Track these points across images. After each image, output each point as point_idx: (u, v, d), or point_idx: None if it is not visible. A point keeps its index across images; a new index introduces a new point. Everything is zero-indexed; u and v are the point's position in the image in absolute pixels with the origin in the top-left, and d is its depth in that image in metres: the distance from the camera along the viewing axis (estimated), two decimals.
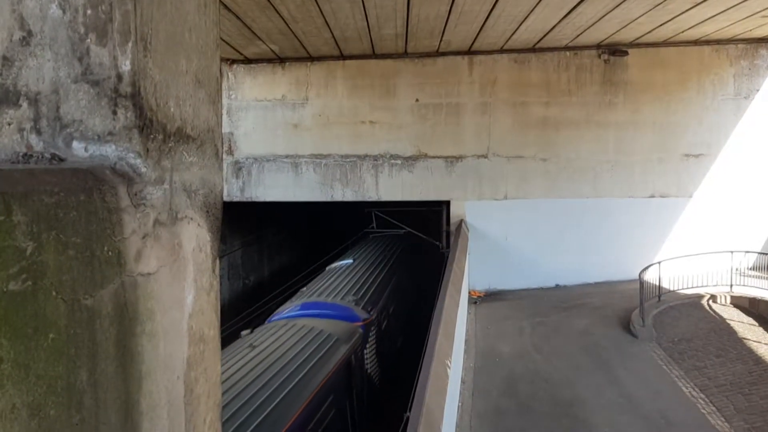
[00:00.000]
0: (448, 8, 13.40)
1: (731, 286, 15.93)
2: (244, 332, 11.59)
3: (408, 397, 6.58)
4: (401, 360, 14.40)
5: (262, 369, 9.02)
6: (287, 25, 14.47)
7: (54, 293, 1.48)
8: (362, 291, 13.87)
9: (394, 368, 13.77)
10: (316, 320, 11.65)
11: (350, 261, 17.01)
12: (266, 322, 12.47)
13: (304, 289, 14.65)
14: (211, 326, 2.24)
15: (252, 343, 10.23)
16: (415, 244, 21.25)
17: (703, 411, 10.81)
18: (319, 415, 9.10)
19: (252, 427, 7.35)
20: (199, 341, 2.14)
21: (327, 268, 16.84)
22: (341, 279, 14.88)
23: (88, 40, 1.75)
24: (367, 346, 12.31)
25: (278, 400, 8.28)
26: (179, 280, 2.01)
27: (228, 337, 12.62)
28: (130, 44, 1.75)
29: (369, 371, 12.34)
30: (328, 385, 9.64)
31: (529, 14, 14.10)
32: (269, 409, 7.96)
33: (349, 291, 13.69)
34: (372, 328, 12.76)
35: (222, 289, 18.66)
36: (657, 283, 15.55)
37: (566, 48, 18.01)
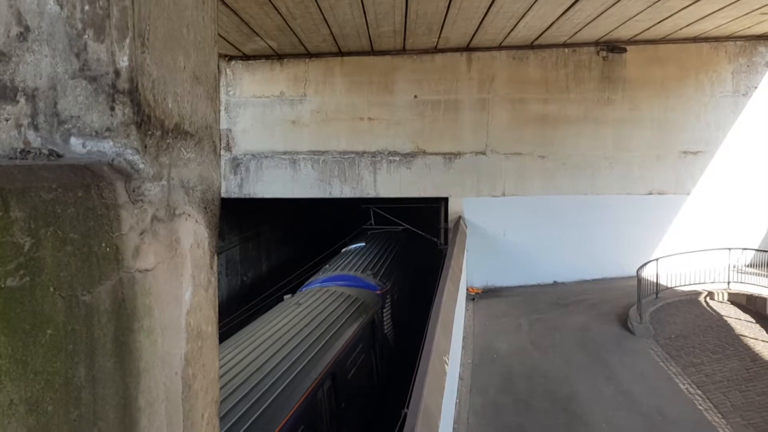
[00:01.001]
0: (447, 4, 13.39)
1: (728, 283, 15.96)
2: (286, 296, 14.19)
3: (406, 393, 6.59)
4: (406, 331, 16.34)
5: (309, 319, 11.52)
6: (285, 21, 14.45)
7: (52, 289, 1.48)
8: (376, 268, 16.10)
9: (401, 335, 16.01)
10: (344, 288, 13.98)
11: (363, 244, 18.90)
12: (300, 289, 14.74)
13: (327, 266, 16.89)
14: (209, 323, 2.24)
15: (298, 301, 12.81)
16: (413, 240, 21.36)
17: (699, 407, 10.84)
18: (353, 356, 11.68)
19: (311, 356, 9.89)
20: (197, 337, 2.14)
21: (343, 250, 19.02)
22: (358, 257, 17.10)
23: (86, 35, 1.75)
24: (384, 310, 14.67)
25: (325, 341, 10.69)
26: (177, 277, 2.01)
27: (227, 332, 12.63)
28: (127, 40, 1.75)
29: (386, 331, 14.68)
30: (358, 334, 12.12)
31: (527, 11, 14.09)
32: (320, 347, 10.40)
33: (366, 267, 15.99)
34: (387, 297, 15.04)
35: (220, 286, 18.67)
36: (654, 280, 15.57)
37: (564, 45, 18.00)
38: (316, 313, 11.94)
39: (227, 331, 13.44)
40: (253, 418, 7.65)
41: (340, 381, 10.69)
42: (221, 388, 7.62)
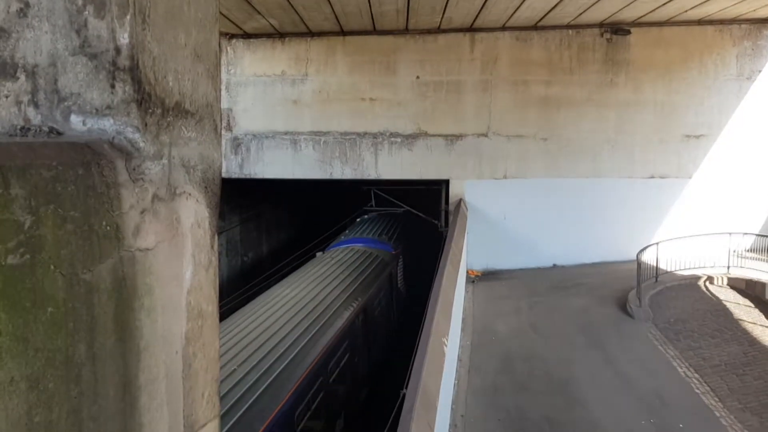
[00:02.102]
0: None
1: (728, 267, 15.98)
2: (318, 253, 17.12)
3: (405, 375, 6.63)
4: (412, 289, 18.75)
5: (343, 269, 14.38)
6: None
7: (52, 267, 1.48)
8: (389, 235, 18.89)
9: (409, 290, 18.64)
10: (367, 247, 16.69)
11: (374, 215, 21.39)
12: (328, 248, 17.46)
13: (347, 231, 19.87)
14: (209, 302, 2.24)
15: (332, 256, 15.71)
16: (413, 222, 21.51)
17: (697, 391, 10.90)
18: (378, 298, 14.58)
19: (348, 294, 12.68)
20: (197, 317, 2.14)
21: (357, 220, 21.76)
22: (372, 226, 19.88)
23: (86, 12, 1.73)
24: (398, 267, 17.34)
25: (357, 284, 13.52)
26: (177, 256, 2.01)
27: (227, 312, 12.67)
28: (128, 17, 1.73)
29: (399, 284, 17.35)
30: (381, 282, 15.10)
31: None
32: (354, 288, 13.21)
33: (381, 233, 18.80)
34: (399, 257, 17.73)
35: (220, 266, 18.71)
36: (654, 264, 15.59)
37: (568, 26, 17.86)
38: (347, 264, 14.86)
39: (227, 311, 13.49)
40: (311, 334, 10.31)
41: (370, 315, 13.55)
42: (288, 312, 10.93)
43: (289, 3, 14.67)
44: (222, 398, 6.43)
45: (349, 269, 14.45)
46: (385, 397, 10.18)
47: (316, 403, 9.52)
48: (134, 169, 1.77)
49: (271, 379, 8.40)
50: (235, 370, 8.36)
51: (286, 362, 8.97)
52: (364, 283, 13.89)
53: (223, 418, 6.94)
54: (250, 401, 7.74)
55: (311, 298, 11.92)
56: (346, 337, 11.49)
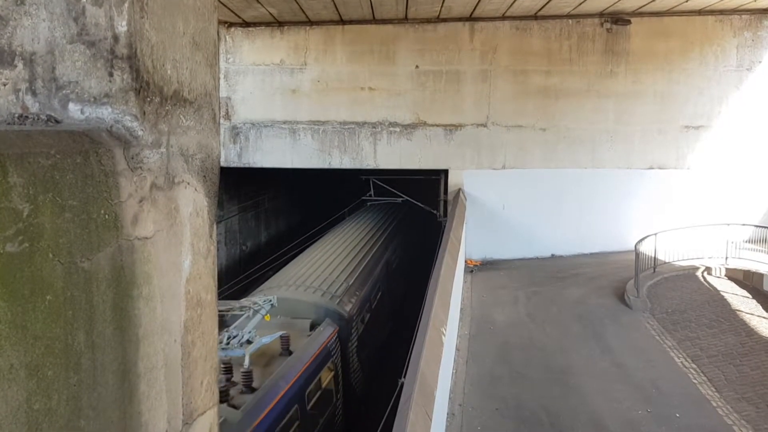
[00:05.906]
0: None
1: (726, 258, 15.99)
2: (364, 208, 22.79)
3: (403, 364, 6.65)
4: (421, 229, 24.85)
5: (389, 210, 21.61)
6: None
7: (51, 255, 1.49)
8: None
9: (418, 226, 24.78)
10: (394, 204, 22.90)
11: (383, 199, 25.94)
12: (366, 204, 23.49)
13: (368, 204, 25.32)
14: (208, 291, 2.25)
15: (379, 204, 22.52)
16: (412, 209, 21.82)
17: (694, 381, 10.94)
18: (408, 218, 22.33)
19: (396, 222, 20.68)
20: (196, 305, 2.15)
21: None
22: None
23: None
24: (415, 211, 23.67)
25: (400, 217, 21.32)
26: (176, 245, 2.01)
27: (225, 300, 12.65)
28: (126, 4, 1.73)
29: (416, 220, 23.92)
30: (407, 214, 22.37)
31: None
32: (399, 217, 21.15)
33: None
34: (412, 206, 23.75)
35: (219, 255, 18.76)
36: (652, 255, 15.61)
37: (569, 16, 17.80)
38: (391, 208, 22.01)
39: (226, 298, 13.48)
40: (391, 228, 19.08)
41: (404, 224, 21.04)
42: (373, 222, 19.58)
43: None
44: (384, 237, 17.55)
45: (393, 209, 21.96)
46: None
47: (396, 257, 18.02)
48: (132, 158, 1.76)
49: (384, 236, 17.64)
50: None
51: (383, 238, 17.54)
52: (399, 215, 21.64)
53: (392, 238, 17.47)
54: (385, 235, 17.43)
55: (380, 217, 20.02)
56: (400, 244, 19.15)
